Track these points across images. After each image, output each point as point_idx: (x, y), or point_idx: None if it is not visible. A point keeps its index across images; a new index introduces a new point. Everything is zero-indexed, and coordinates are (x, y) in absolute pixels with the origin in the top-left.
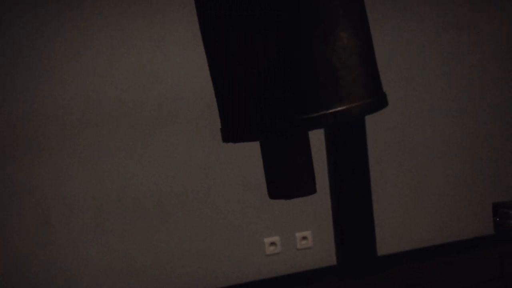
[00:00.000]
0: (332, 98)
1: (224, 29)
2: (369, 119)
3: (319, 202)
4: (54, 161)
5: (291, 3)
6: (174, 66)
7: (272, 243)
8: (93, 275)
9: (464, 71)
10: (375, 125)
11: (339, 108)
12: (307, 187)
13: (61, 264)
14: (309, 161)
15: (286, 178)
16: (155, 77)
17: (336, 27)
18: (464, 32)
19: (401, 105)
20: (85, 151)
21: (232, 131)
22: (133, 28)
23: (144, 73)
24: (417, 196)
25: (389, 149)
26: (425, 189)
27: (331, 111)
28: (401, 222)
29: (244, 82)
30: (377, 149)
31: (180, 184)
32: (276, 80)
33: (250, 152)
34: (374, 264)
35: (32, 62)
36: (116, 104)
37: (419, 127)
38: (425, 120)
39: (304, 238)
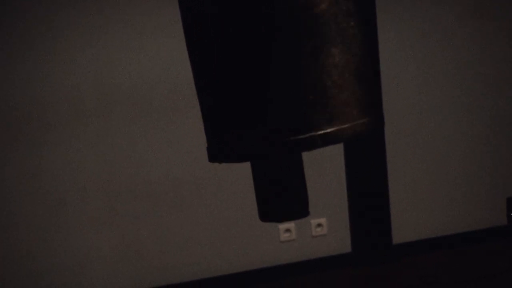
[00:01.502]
0: (321, 118)
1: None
2: (386, 108)
3: (335, 190)
4: (68, 145)
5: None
6: (186, 54)
7: (287, 230)
8: (105, 259)
9: (483, 61)
10: (393, 114)
11: (328, 130)
12: (299, 211)
13: (73, 247)
14: (301, 183)
15: (277, 202)
16: (170, 62)
17: (327, 43)
18: (485, 21)
19: (418, 94)
20: (99, 136)
21: (217, 151)
22: (148, 15)
23: (159, 59)
24: (432, 186)
25: (406, 138)
26: (441, 179)
27: (320, 132)
28: (417, 212)
29: (227, 98)
30: (394, 139)
31: (194, 169)
32: (262, 100)
33: None
34: (388, 253)
35: (46, 47)
36: (130, 89)
37: (436, 117)
38: (442, 110)
39: (319, 225)
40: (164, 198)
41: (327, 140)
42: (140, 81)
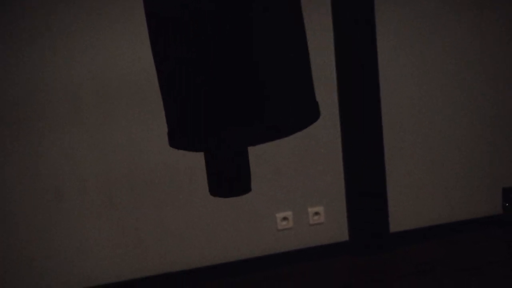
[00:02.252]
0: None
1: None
2: (384, 96)
3: (332, 178)
4: (64, 135)
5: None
6: None
7: (284, 218)
8: (103, 249)
9: (483, 51)
10: (390, 102)
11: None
12: (243, 187)
13: (72, 237)
14: (245, 163)
15: (224, 180)
16: None
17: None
18: (484, 14)
19: (416, 84)
20: (96, 125)
21: (172, 137)
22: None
23: None
24: (430, 175)
25: (403, 126)
26: (438, 169)
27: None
28: (414, 200)
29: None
30: (391, 126)
31: (191, 158)
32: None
33: None
34: (386, 241)
35: (41, 38)
36: (127, 81)
37: (433, 108)
38: (439, 102)
39: (317, 213)
40: (161, 188)
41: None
42: (136, 72)
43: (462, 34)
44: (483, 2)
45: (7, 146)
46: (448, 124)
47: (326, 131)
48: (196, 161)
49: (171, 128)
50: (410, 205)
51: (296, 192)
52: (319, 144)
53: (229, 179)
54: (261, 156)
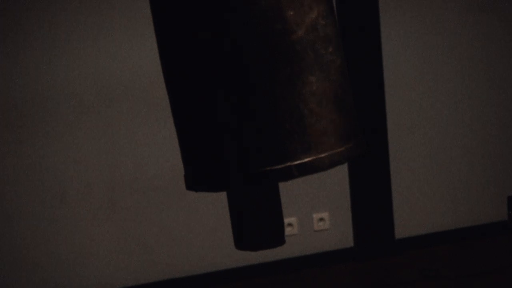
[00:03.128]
0: (297, 148)
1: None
2: (389, 102)
3: (337, 184)
4: (69, 139)
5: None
6: None
7: (289, 224)
8: (106, 253)
9: (488, 55)
10: (395, 107)
11: (305, 160)
12: (275, 240)
13: (75, 241)
14: (278, 212)
15: (253, 230)
16: None
17: (304, 70)
18: (489, 15)
19: (421, 88)
20: (100, 130)
21: (192, 179)
22: (148, 8)
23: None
24: (435, 181)
25: (409, 131)
26: (443, 174)
27: (296, 162)
28: (419, 206)
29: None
30: (397, 132)
31: None
32: (235, 128)
33: None
34: (391, 247)
35: (46, 43)
36: (130, 83)
37: (439, 113)
38: (445, 105)
39: (321, 219)
40: (165, 192)
41: (303, 170)
42: (140, 75)
43: (467, 37)
44: (488, 4)
45: (11, 150)
46: (455, 129)
47: None
48: None
49: (195, 169)
50: (416, 210)
51: (301, 198)
52: None
53: (261, 227)
54: None
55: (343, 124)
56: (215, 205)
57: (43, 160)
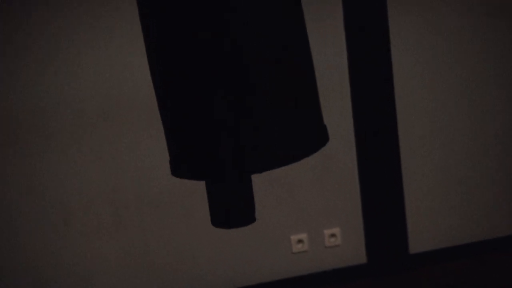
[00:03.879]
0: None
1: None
2: (400, 111)
3: (349, 198)
4: (71, 156)
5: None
6: None
7: (299, 241)
8: (112, 273)
9: (503, 60)
10: (406, 120)
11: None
12: (246, 219)
13: (78, 261)
14: (248, 194)
15: (226, 211)
16: None
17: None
18: (502, 19)
19: (434, 98)
20: (103, 145)
21: (174, 165)
22: None
23: None
24: (450, 192)
25: (421, 144)
26: (459, 185)
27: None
28: (434, 219)
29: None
30: (409, 144)
31: None
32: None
33: None
34: (405, 263)
35: (46, 54)
36: (134, 95)
37: (452, 121)
38: (458, 114)
39: (333, 235)
40: (171, 207)
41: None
42: (144, 86)
43: (480, 42)
44: (498, 9)
45: (12, 166)
46: (469, 141)
47: (341, 149)
48: None
49: (173, 156)
50: (430, 224)
51: (311, 213)
52: (334, 163)
53: (234, 210)
54: (274, 176)
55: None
56: None
57: (44, 177)
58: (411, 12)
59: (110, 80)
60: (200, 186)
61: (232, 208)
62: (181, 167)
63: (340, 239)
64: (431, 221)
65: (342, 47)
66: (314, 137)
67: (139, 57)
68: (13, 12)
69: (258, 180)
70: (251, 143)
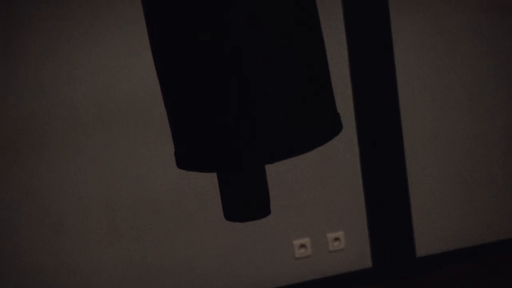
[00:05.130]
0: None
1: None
2: (404, 113)
3: (352, 200)
4: (65, 162)
5: None
6: None
7: (302, 245)
8: (108, 281)
9: (504, 60)
10: (411, 121)
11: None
12: (262, 211)
13: (74, 270)
14: (263, 184)
15: (240, 203)
16: None
17: None
18: (504, 15)
19: (439, 98)
20: (98, 151)
21: (182, 156)
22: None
23: None
24: (457, 194)
25: (427, 143)
26: (466, 186)
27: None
28: (441, 222)
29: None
30: (413, 145)
31: (200, 182)
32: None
33: None
34: (412, 266)
35: (40, 59)
36: (130, 99)
37: (458, 121)
38: (465, 114)
39: (337, 239)
40: (168, 214)
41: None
42: (141, 90)
43: (484, 42)
44: (499, 8)
45: (5, 174)
46: (476, 143)
47: (343, 151)
48: (205, 185)
49: (181, 147)
50: (438, 226)
51: (314, 217)
52: (337, 165)
53: (248, 201)
54: (277, 179)
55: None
56: (222, 228)
57: (38, 185)
58: (413, 12)
59: (105, 85)
60: (198, 190)
61: (248, 200)
62: (190, 158)
63: (344, 243)
64: (438, 224)
65: (343, 46)
66: (328, 125)
67: (136, 60)
68: (12, 13)
69: None
70: (267, 131)
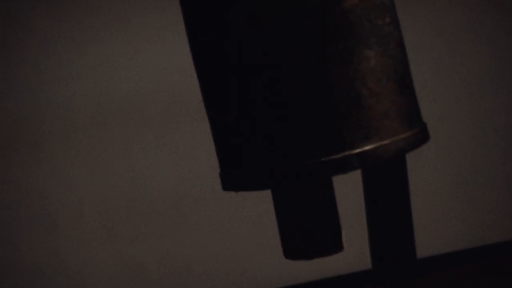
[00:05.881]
0: (356, 134)
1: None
2: None
3: (351, 199)
4: (59, 162)
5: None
6: (188, 59)
7: None
8: (106, 282)
9: (507, 59)
10: None
11: (366, 148)
12: (332, 245)
13: (69, 273)
14: (333, 213)
15: (305, 235)
16: (170, 69)
17: (360, 44)
18: (504, 15)
19: (437, 96)
20: (93, 151)
21: (232, 176)
22: (144, 16)
23: (156, 68)
24: (460, 193)
25: (427, 143)
26: (469, 185)
27: (356, 151)
28: (443, 222)
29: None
30: None
31: (197, 183)
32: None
33: None
34: (414, 268)
35: (34, 58)
36: (126, 99)
37: (460, 118)
38: (467, 110)
39: None
40: (165, 217)
41: (365, 160)
42: (137, 90)
43: (484, 42)
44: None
45: (3, 174)
46: (478, 143)
47: None
48: (203, 187)
49: (231, 165)
50: (440, 226)
51: None
52: None
53: (318, 232)
54: None
55: (406, 106)
56: (220, 231)
57: (32, 186)
58: (413, 11)
59: (100, 84)
60: (196, 191)
61: (315, 231)
62: (242, 177)
63: (344, 244)
64: (440, 224)
65: None
66: (416, 131)
67: (130, 58)
68: (10, 12)
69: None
70: (306, 133)
